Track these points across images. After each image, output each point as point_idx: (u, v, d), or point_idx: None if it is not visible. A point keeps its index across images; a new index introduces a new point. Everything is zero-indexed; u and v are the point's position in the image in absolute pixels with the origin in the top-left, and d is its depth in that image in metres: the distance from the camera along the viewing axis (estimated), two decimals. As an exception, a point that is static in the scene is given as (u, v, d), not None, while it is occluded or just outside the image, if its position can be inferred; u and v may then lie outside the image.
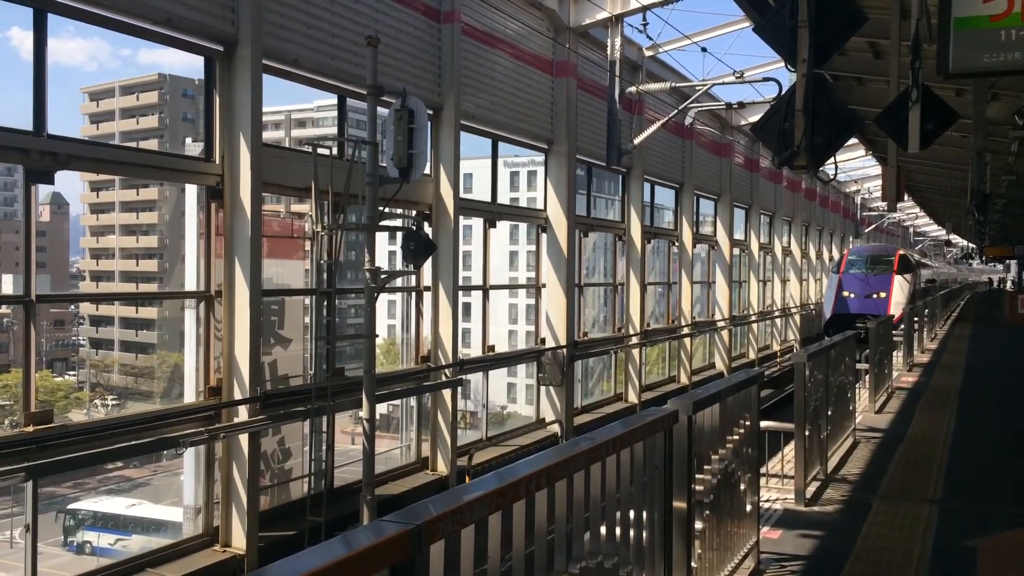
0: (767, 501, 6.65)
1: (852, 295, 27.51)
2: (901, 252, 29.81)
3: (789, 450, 7.34)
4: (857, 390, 10.15)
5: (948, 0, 4.11)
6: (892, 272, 27.64)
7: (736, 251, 27.31)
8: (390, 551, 2.01)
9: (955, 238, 48.89)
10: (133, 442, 8.27)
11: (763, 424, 6.12)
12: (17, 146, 7.40)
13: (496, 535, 2.53)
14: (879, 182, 33.02)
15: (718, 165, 25.31)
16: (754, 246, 28.99)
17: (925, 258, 45.60)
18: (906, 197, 36.22)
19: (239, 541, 8.97)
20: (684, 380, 22.45)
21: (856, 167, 35.72)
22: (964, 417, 10.66)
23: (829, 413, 7.64)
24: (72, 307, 55.64)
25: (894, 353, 14.18)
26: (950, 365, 16.34)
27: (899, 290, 26.98)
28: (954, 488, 7.30)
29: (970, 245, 52.24)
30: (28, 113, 7.53)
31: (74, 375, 50.83)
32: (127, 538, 26.89)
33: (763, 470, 6.74)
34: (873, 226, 45.06)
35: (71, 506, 29.70)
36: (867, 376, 11.25)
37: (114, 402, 43.93)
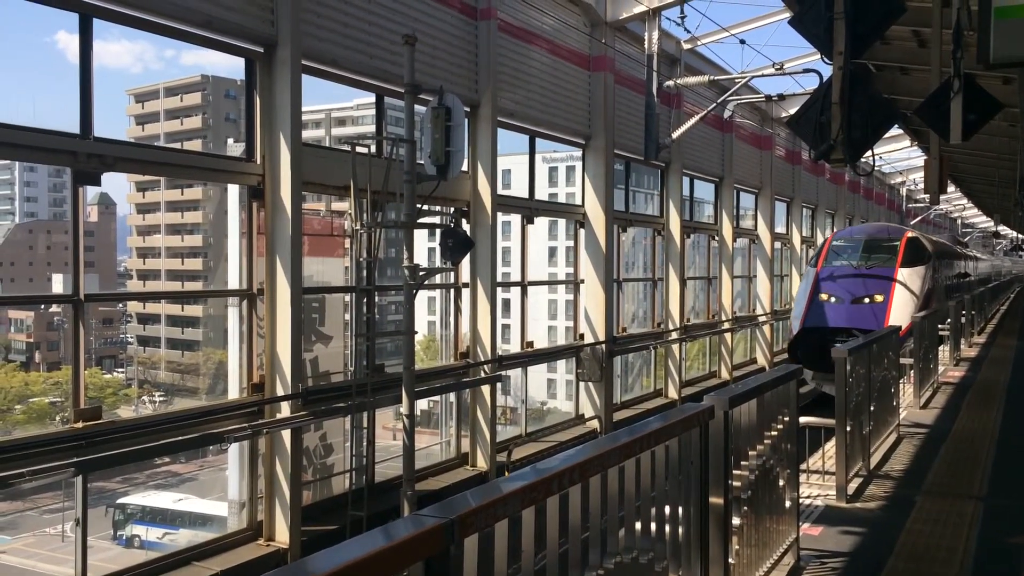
0: (808, 497, 6.60)
1: (833, 299, 18.65)
2: (910, 234, 20.72)
3: (830, 446, 7.26)
4: (902, 385, 10.01)
5: (989, -11, 4.05)
6: (896, 265, 19.03)
7: (778, 245, 27.00)
8: (424, 544, 2.05)
9: (1004, 229, 47.90)
10: (179, 438, 8.44)
11: (803, 420, 6.07)
12: (65, 148, 7.57)
13: (530, 529, 2.56)
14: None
15: (758, 158, 25.04)
16: (796, 240, 28.65)
17: (958, 245, 35.45)
18: (953, 188, 35.47)
19: (282, 535, 9.11)
20: (725, 375, 22.27)
21: (901, 158, 35.10)
22: (1011, 413, 10.45)
23: (872, 408, 7.55)
24: (120, 305, 56.78)
25: (940, 348, 13.92)
26: (998, 360, 16.02)
27: (904, 292, 18.44)
28: (1000, 485, 7.17)
29: (1019, 236, 51.14)
30: (75, 116, 7.72)
31: (122, 372, 51.88)
32: (175, 532, 27.43)
33: (803, 466, 6.70)
34: (919, 218, 44.25)
35: (120, 500, 30.36)
36: (912, 371, 11.09)
37: (161, 398, 44.77)
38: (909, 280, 18.70)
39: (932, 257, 20.11)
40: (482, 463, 12.40)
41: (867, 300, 18.37)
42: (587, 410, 15.93)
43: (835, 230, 29.64)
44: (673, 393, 19.11)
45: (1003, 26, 3.91)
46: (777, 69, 18.06)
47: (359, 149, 9.97)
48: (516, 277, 14.77)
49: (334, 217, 11.31)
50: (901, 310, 17.60)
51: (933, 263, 20.02)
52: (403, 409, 9.60)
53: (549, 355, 16.69)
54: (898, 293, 18.37)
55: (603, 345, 15.64)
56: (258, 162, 9.30)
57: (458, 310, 12.63)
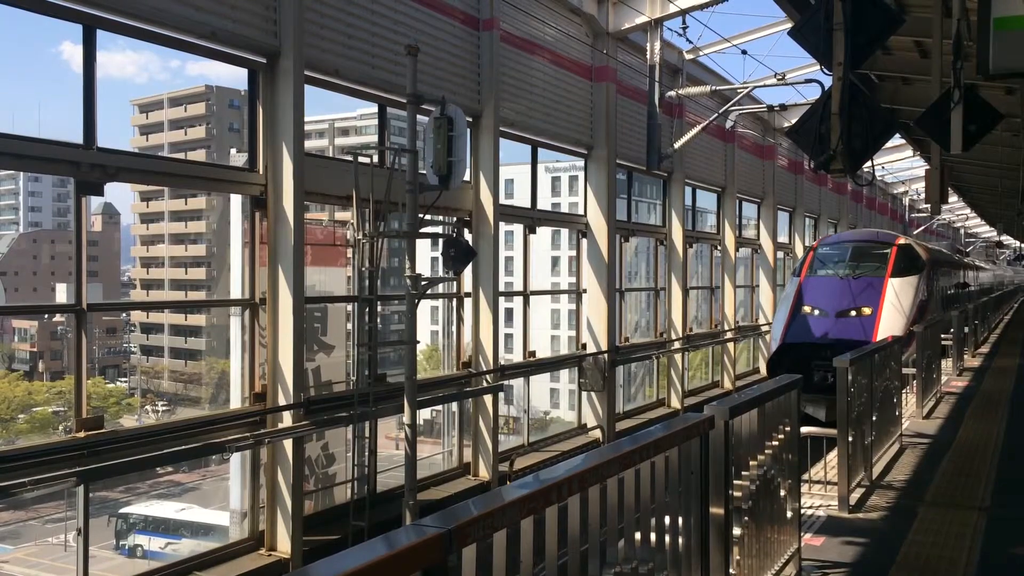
0: (810, 508, 6.58)
1: (816, 312, 17.05)
2: (902, 241, 19.22)
3: (832, 456, 7.25)
4: (904, 395, 10.00)
5: (987, 0, 4.07)
6: (886, 274, 17.51)
7: (780, 254, 26.99)
8: (422, 554, 2.05)
9: (1007, 239, 47.86)
10: (181, 447, 8.44)
11: (804, 430, 6.06)
12: (68, 159, 7.60)
13: (529, 539, 2.56)
14: (927, 183, 31.54)
15: (761, 168, 25.07)
16: (799, 249, 28.62)
17: (958, 254, 33.69)
18: (956, 198, 35.41)
19: (284, 545, 9.09)
20: (728, 385, 22.24)
21: (904, 168, 35.11)
22: (1015, 423, 10.43)
23: (874, 418, 7.54)
24: (123, 315, 56.90)
25: (943, 358, 13.87)
26: (1001, 370, 15.98)
27: (895, 304, 16.92)
28: (1003, 495, 7.15)
29: (1022, 246, 51.09)
30: (79, 126, 7.74)
31: (125, 382, 51.92)
32: (177, 542, 27.40)
33: (805, 476, 6.68)
34: (922, 227, 44.21)
35: (123, 510, 30.35)
36: (915, 381, 11.07)
37: (164, 408, 44.78)
38: (900, 290, 17.20)
39: (927, 266, 18.66)
40: (484, 473, 12.38)
41: (853, 313, 16.81)
42: (589, 420, 15.91)
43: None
44: (676, 403, 19.08)
45: (1002, 37, 3.93)
46: (779, 79, 18.10)
47: (361, 159, 10.00)
48: (518, 287, 14.78)
49: (336, 227, 11.34)
50: (891, 323, 16.26)
51: (928, 272, 18.60)
52: (405, 419, 9.60)
53: (551, 365, 16.68)
54: (888, 305, 16.87)
55: (605, 355, 15.62)
56: (261, 172, 9.33)
57: (460, 320, 12.64)
